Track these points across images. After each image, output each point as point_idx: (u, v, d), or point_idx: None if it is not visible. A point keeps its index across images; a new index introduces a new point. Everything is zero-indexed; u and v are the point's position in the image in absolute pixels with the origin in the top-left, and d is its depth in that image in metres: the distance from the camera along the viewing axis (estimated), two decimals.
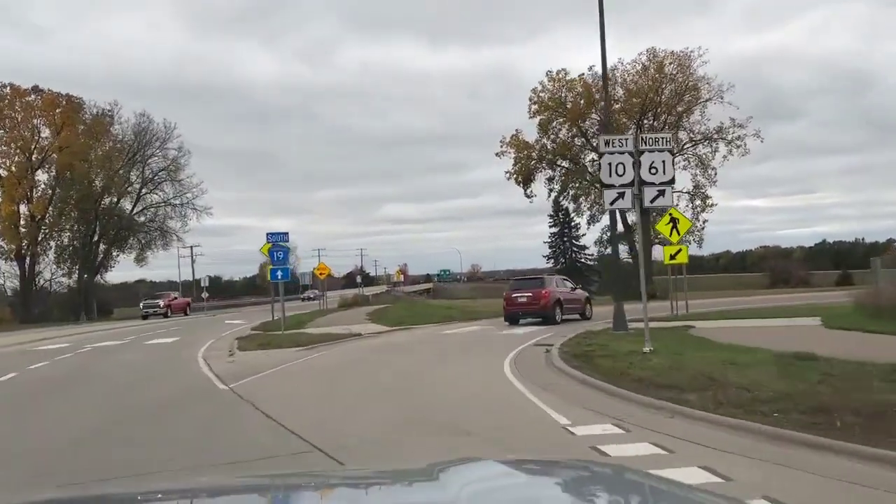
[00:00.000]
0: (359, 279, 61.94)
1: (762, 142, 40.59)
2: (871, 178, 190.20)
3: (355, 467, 4.09)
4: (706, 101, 41.50)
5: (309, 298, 58.74)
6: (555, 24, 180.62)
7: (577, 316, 24.05)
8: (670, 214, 20.16)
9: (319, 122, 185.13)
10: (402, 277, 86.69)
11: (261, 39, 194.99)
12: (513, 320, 23.52)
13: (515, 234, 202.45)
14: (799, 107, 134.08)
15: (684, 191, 43.19)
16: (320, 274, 38.55)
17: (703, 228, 42.04)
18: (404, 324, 24.20)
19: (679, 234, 20.84)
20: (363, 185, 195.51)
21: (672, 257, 23.58)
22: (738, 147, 40.64)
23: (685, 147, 42.82)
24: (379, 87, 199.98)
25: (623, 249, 45.18)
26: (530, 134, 46.07)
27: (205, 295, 46.60)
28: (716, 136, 41.73)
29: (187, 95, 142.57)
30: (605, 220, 46.43)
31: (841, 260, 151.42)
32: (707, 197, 42.27)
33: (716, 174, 41.65)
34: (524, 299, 23.22)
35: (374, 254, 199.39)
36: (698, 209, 42.38)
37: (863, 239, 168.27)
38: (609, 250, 45.87)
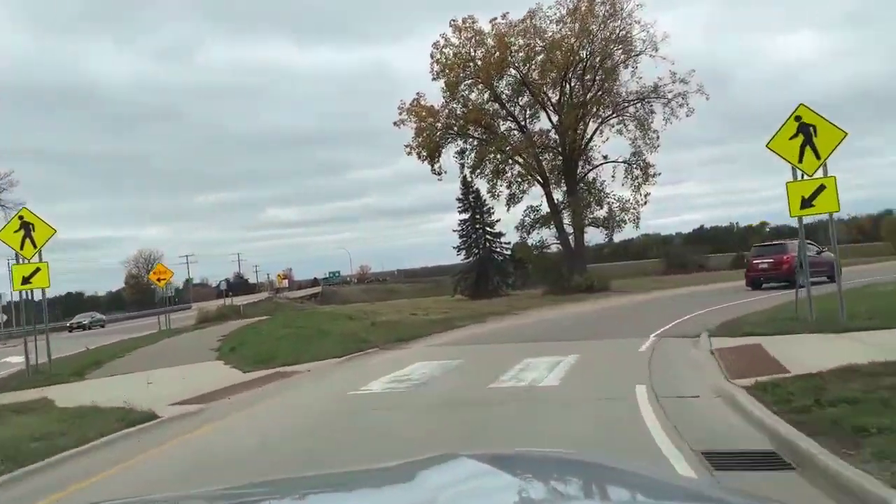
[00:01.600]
0: (224, 286, 50.75)
1: (707, 99, 34.10)
2: (731, 169, 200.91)
3: (331, 470, 3.52)
4: (639, 54, 34.41)
5: (80, 326, 47.01)
6: (430, 22, 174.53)
7: (825, 278, 21.48)
8: None
9: (190, 123, 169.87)
10: (284, 282, 75.80)
11: (116, 39, 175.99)
12: (755, 285, 24.21)
13: (411, 232, 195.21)
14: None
15: (620, 160, 36.00)
16: (158, 280, 28.21)
17: (644, 203, 34.99)
18: (275, 360, 13.35)
19: None
20: (243, 189, 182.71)
21: None
22: (682, 106, 33.84)
23: (621, 107, 35.57)
24: (251, 86, 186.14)
25: (549, 234, 37.39)
26: (434, 98, 37.47)
27: (2, 317, 34.61)
28: (652, 96, 34.66)
29: (34, 99, 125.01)
30: (528, 200, 38.70)
31: (719, 244, 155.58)
32: (649, 166, 35.16)
33: (658, 138, 34.65)
34: (766, 265, 24.05)
35: (260, 259, 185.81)
36: (639, 181, 35.23)
37: (737, 223, 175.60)
38: (532, 236, 38.04)
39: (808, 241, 25.21)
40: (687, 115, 33.97)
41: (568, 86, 35.74)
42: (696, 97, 33.72)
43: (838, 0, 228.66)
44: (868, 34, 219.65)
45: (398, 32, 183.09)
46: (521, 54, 35.39)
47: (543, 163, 37.10)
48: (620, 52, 34.81)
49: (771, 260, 24.31)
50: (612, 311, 22.23)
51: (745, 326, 12.18)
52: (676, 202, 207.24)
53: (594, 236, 37.64)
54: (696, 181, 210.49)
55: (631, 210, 35.44)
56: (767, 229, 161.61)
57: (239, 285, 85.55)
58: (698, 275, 48.66)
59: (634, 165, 35.18)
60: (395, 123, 37.03)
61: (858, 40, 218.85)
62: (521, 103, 37.38)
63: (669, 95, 34.17)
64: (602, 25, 34.00)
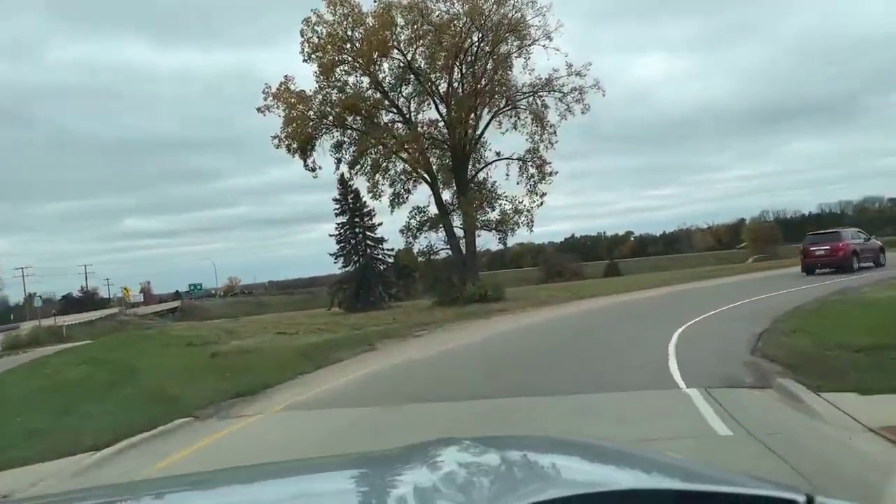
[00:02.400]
0: (38, 301, 42.44)
1: (604, 95, 31.42)
2: (594, 181, 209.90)
3: (329, 455, 3.54)
4: (532, 42, 31.20)
5: None
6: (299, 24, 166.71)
7: (871, 264, 25.48)
8: None
9: (34, 126, 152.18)
10: (134, 297, 66.92)
11: None
12: (809, 271, 25.63)
13: (285, 242, 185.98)
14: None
15: (514, 156, 32.49)
16: None
17: (540, 204, 31.60)
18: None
19: None
20: (97, 197, 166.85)
21: None
22: (578, 101, 30.92)
23: (515, 100, 32.07)
24: (103, 88, 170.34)
25: (437, 239, 33.19)
26: (308, 84, 32.39)
27: None
28: (546, 90, 31.52)
29: None
30: (414, 201, 34.37)
31: (588, 252, 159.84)
32: (545, 163, 31.82)
33: (555, 133, 31.50)
34: (821, 252, 25.47)
35: (118, 273, 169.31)
36: (534, 180, 31.84)
37: (605, 233, 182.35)
38: (418, 241, 33.69)
39: (857, 230, 28.32)
40: (583, 112, 31.08)
41: (459, 73, 31.81)
42: (592, 93, 30.89)
43: (683, 26, 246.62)
44: (711, 58, 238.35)
45: (265, 35, 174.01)
46: (405, 35, 31.13)
47: (431, 159, 32.97)
48: (513, 38, 31.38)
49: (827, 247, 25.71)
50: (552, 333, 16.16)
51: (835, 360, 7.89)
52: (545, 213, 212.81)
53: (482, 242, 33.83)
54: (563, 193, 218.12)
55: (525, 212, 31.97)
56: (632, 238, 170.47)
57: (81, 301, 75.10)
58: (590, 282, 46.26)
59: (530, 163, 31.77)
60: (259, 110, 31.49)
61: (704, 63, 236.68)
62: (405, 94, 33.07)
63: (565, 89, 31.16)
64: (494, 8, 30.35)
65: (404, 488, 1.35)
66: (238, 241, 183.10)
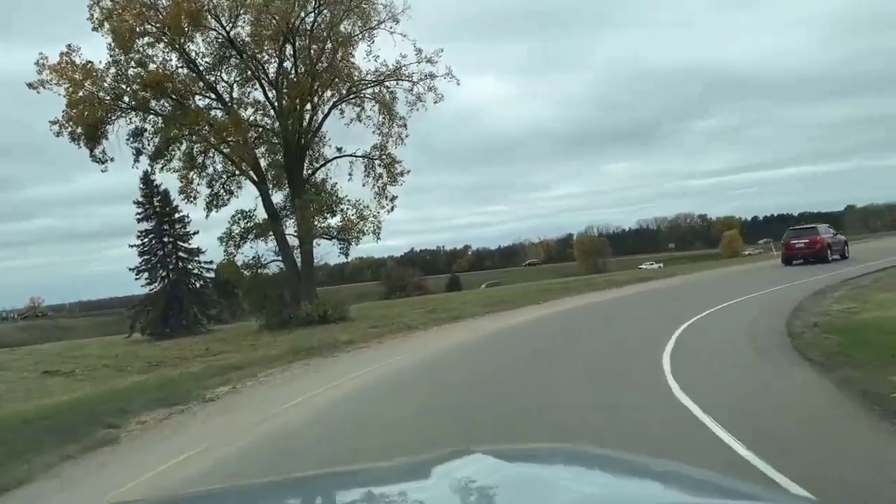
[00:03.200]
0: None
1: (459, 83, 27.96)
2: (430, 197, 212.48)
3: (345, 466, 3.29)
4: (378, 25, 27.05)
5: None
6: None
7: (838, 256, 28.33)
8: None
9: None
10: None
11: None
12: (788, 262, 28.63)
13: (95, 258, 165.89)
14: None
15: (359, 153, 27.87)
16: None
17: (390, 209, 27.26)
18: None
19: None
20: None
21: None
22: (430, 90, 27.19)
23: (358, 89, 27.54)
24: None
25: (267, 249, 27.64)
26: (97, 53, 25.76)
27: None
28: (391, 78, 27.45)
29: None
30: (239, 203, 28.58)
31: (428, 266, 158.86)
32: (395, 161, 27.55)
33: (406, 127, 27.42)
34: (801, 245, 28.48)
35: None
36: (383, 181, 27.46)
37: (444, 247, 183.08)
38: (242, 251, 27.92)
39: (827, 226, 31.35)
40: (435, 102, 27.32)
41: (291, 52, 26.74)
42: (445, 82, 27.24)
43: (513, 50, 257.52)
44: (537, 82, 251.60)
45: (74, 31, 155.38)
46: (226, 2, 25.58)
47: (259, 154, 27.56)
48: (356, 17, 26.97)
49: (806, 240, 28.30)
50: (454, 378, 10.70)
51: None
52: (384, 228, 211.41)
53: (320, 252, 28.68)
54: (401, 208, 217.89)
55: (372, 218, 27.44)
56: (470, 252, 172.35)
57: None
58: (441, 297, 42.52)
59: (377, 161, 27.37)
60: (31, 86, 24.37)
61: (531, 87, 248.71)
62: (225, 77, 27.39)
63: (415, 77, 27.25)
64: None
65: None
66: (45, 256, 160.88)
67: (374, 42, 26.89)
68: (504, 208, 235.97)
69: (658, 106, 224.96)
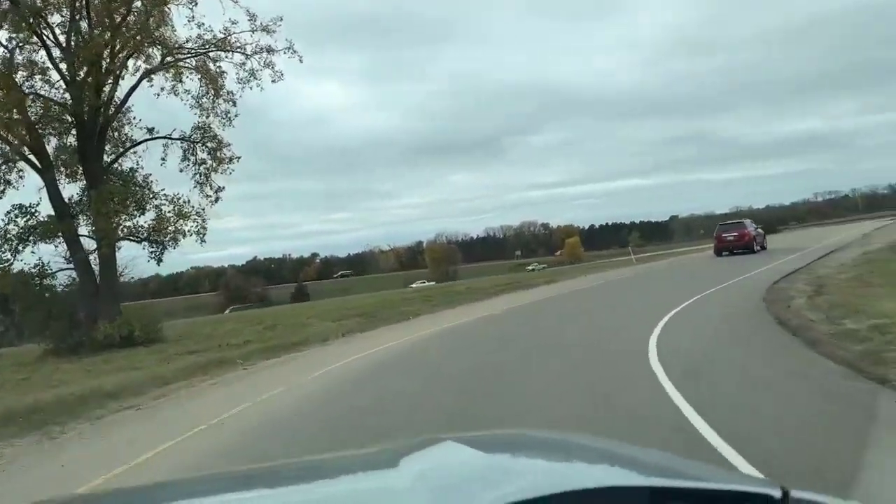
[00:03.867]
0: None
1: (301, 61, 23.55)
2: (274, 204, 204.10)
3: (313, 456, 3.05)
4: None
5: None
6: None
7: (759, 247, 31.03)
8: None
9: None
10: None
11: None
12: (719, 253, 30.98)
13: None
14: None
15: (175, 135, 22.58)
16: None
17: (214, 201, 22.24)
18: None
19: None
20: None
21: None
22: (268, 66, 22.67)
23: (174, 59, 22.30)
24: None
25: (55, 254, 21.56)
26: None
27: None
28: (218, 47, 22.64)
29: None
30: (15, 197, 22.36)
31: (272, 275, 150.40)
32: (222, 145, 22.51)
33: (235, 105, 22.55)
34: (731, 237, 30.74)
35: None
36: (207, 168, 22.43)
37: (290, 255, 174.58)
38: (21, 257, 21.64)
39: (751, 220, 33.84)
40: (274, 81, 22.87)
41: (84, 11, 21.03)
42: (285, 58, 22.90)
43: (357, 58, 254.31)
44: (383, 91, 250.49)
45: None
46: None
47: (44, 134, 21.55)
48: None
49: (735, 234, 30.69)
50: None
51: None
52: (223, 235, 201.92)
53: (125, 258, 23.01)
54: (241, 215, 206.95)
55: (194, 216, 22.31)
56: (318, 260, 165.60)
57: None
58: (286, 310, 37.43)
59: (199, 145, 22.30)
60: None
61: (377, 96, 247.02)
62: None
63: (248, 50, 22.65)
64: None
65: (376, 489, 1.37)
66: None
67: (196, 5, 21.93)
68: (353, 216, 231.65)
69: (499, 120, 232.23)
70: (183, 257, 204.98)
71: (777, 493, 1.04)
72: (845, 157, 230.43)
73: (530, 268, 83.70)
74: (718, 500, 1.09)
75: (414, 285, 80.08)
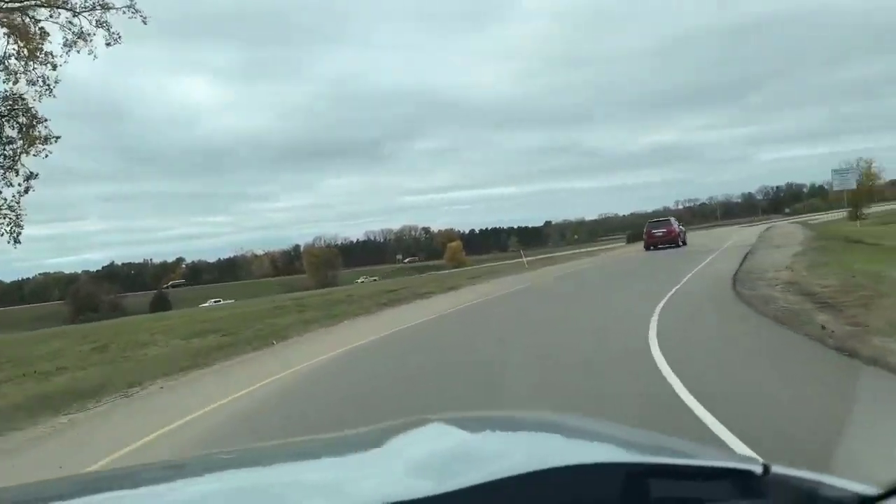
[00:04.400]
0: None
1: (146, 23, 19.05)
2: (129, 206, 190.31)
3: (298, 438, 3.19)
4: None
5: None
6: None
7: (682, 243, 33.54)
8: None
9: None
10: None
11: None
12: (649, 247, 33.49)
13: None
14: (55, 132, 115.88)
15: None
16: None
17: (25, 191, 17.17)
18: None
19: None
20: None
21: None
22: (102, 27, 18.19)
23: None
24: None
25: None
26: None
27: None
28: (39, 5, 17.97)
29: None
30: None
31: (132, 281, 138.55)
32: (36, 120, 17.46)
33: (56, 69, 17.65)
34: (660, 234, 33.79)
35: None
36: (17, 148, 17.42)
37: (151, 260, 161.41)
38: None
39: (676, 219, 37.88)
40: (109, 44, 18.38)
41: None
42: (124, 18, 18.50)
43: (227, 54, 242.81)
44: (257, 90, 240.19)
45: None
46: None
47: None
48: None
49: (664, 230, 33.86)
50: None
51: None
52: (76, 240, 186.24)
53: None
54: (98, 217, 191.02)
55: (4, 209, 17.39)
56: (184, 265, 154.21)
57: None
58: (138, 321, 31.77)
59: (7, 119, 17.40)
60: None
61: (251, 95, 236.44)
62: None
63: (78, 6, 18.08)
64: None
65: (370, 471, 1.34)
66: None
67: None
68: (226, 219, 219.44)
69: (380, 124, 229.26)
70: (30, 262, 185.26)
71: (758, 469, 1.04)
72: (700, 168, 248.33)
73: (360, 280, 78.58)
74: (700, 476, 1.09)
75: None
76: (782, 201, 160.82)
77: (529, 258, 42.98)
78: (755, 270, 14.42)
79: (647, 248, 33.90)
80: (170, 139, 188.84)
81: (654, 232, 34.20)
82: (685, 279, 14.99)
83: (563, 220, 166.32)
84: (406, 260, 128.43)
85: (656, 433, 1.61)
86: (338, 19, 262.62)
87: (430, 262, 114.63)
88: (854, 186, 42.22)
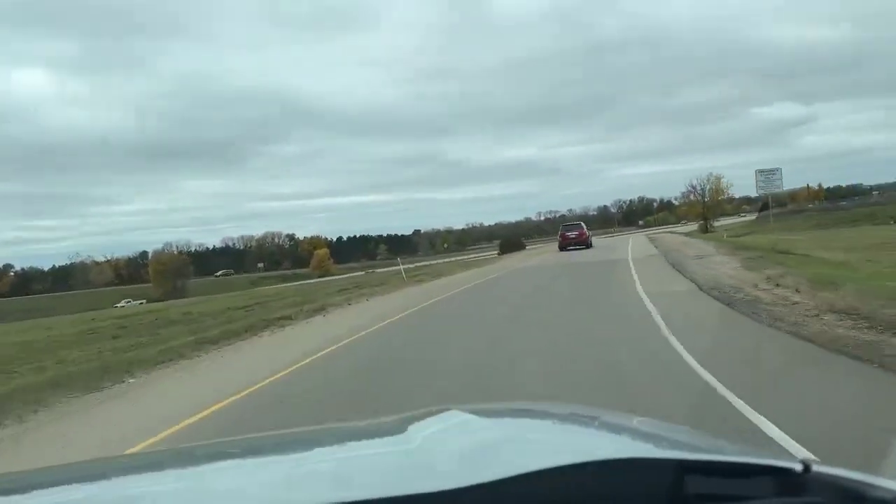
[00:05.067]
0: None
1: None
2: None
3: (324, 425, 3.24)
4: None
5: None
6: None
7: (588, 245, 36.23)
8: None
9: None
10: None
11: None
12: (563, 248, 35.88)
13: None
14: None
15: None
16: None
17: None
18: None
19: None
20: None
21: None
22: None
23: None
24: None
25: None
26: None
27: None
28: None
29: None
30: None
31: None
32: None
33: None
34: (573, 236, 36.75)
35: None
36: None
37: None
38: None
39: (583, 223, 43.22)
40: None
41: None
42: None
43: (70, 45, 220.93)
44: (103, 85, 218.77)
45: None
46: None
47: None
48: None
49: (577, 233, 37.43)
50: None
51: None
52: None
53: None
54: None
55: None
56: (12, 273, 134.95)
57: None
58: None
59: None
60: None
61: (92, 89, 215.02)
62: None
63: None
64: None
65: (393, 461, 1.32)
66: None
67: None
68: (62, 223, 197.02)
69: (239, 126, 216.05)
70: None
71: (798, 467, 1.02)
72: (559, 181, 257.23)
73: (121, 304, 66.63)
74: (738, 472, 1.06)
75: (122, 303, 65.89)
76: (635, 214, 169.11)
77: (407, 266, 38.54)
78: (723, 286, 10.96)
79: (561, 248, 36.24)
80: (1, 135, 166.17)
81: (568, 234, 37.14)
82: (655, 306, 9.95)
83: (432, 228, 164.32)
84: (259, 266, 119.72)
85: (686, 428, 1.55)
86: (191, 15, 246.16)
87: (289, 272, 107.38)
88: (781, 189, 40.81)
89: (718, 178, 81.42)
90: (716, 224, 78.39)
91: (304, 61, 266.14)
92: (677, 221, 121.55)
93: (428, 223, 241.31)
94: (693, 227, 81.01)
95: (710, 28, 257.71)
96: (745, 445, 1.67)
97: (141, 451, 4.46)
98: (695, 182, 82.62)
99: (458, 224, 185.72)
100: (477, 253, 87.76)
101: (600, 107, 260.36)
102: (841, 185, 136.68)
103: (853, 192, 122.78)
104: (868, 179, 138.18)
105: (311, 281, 67.77)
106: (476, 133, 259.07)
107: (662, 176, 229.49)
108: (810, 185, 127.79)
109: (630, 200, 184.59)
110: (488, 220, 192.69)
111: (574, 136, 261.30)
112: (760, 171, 37.71)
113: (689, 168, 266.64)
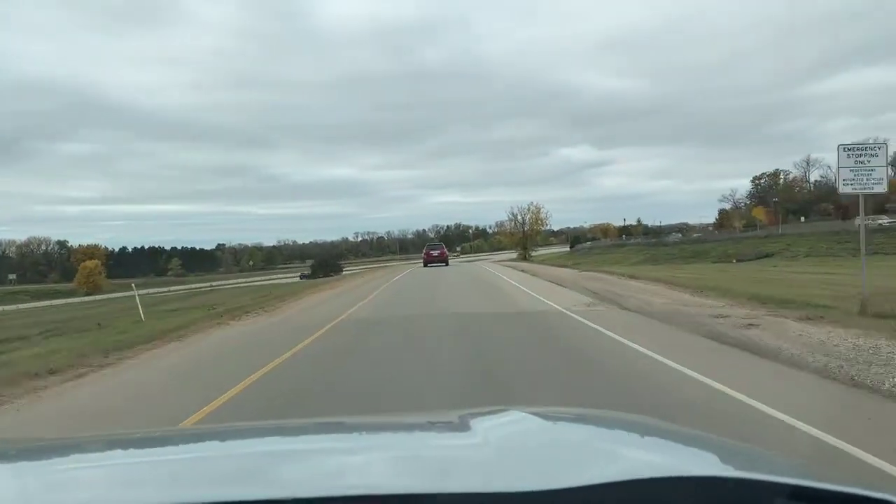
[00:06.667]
0: None
1: None
2: None
3: (384, 416, 3.20)
4: None
5: None
6: None
7: (447, 263, 42.99)
8: None
9: None
10: None
11: None
12: (426, 264, 41.42)
13: None
14: None
15: None
16: None
17: None
18: None
19: None
20: None
21: None
22: None
23: None
24: None
25: None
26: None
27: None
28: None
29: None
30: None
31: None
32: None
33: None
34: (436, 254, 43.29)
35: None
36: None
37: None
38: None
39: (442, 243, 54.49)
40: None
41: None
42: None
43: None
44: None
45: None
46: None
47: None
48: None
49: (438, 251, 44.04)
50: None
51: None
52: None
53: None
54: None
55: None
56: None
57: None
58: None
59: None
60: None
61: None
62: None
63: None
64: None
65: (459, 456, 1.28)
66: None
67: None
68: None
69: (16, 117, 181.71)
70: None
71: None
72: (376, 203, 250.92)
73: None
74: (832, 500, 1.01)
75: None
76: (451, 240, 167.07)
77: (176, 289, 26.97)
78: None
79: (425, 265, 41.47)
80: None
81: (432, 252, 43.61)
82: None
83: (239, 243, 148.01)
84: (11, 277, 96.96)
85: (745, 444, 1.49)
86: None
87: (48, 287, 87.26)
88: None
89: (539, 208, 79.28)
90: (533, 254, 76.01)
91: (103, 53, 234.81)
92: (491, 249, 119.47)
93: (237, 237, 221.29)
94: (512, 255, 78.05)
95: (527, 69, 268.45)
96: (836, 470, 1.50)
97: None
98: (516, 210, 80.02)
99: (270, 240, 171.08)
100: (283, 274, 76.63)
101: (422, 134, 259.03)
102: (632, 223, 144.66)
103: (648, 231, 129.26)
104: (651, 221, 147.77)
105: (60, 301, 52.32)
106: (295, 148, 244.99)
107: (478, 206, 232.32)
108: (611, 223, 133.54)
109: (447, 226, 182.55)
110: (304, 238, 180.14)
111: (394, 159, 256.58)
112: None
113: (502, 200, 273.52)
